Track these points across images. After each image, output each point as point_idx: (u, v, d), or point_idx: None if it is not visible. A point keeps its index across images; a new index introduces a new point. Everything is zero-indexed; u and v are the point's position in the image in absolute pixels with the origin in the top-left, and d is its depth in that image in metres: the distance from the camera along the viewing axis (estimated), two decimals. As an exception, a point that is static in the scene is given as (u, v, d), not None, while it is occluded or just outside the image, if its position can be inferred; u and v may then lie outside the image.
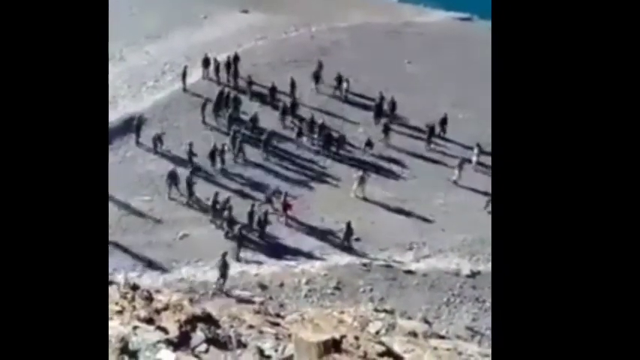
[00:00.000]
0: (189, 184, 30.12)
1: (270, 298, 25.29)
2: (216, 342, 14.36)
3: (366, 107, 38.06)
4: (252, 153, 33.59)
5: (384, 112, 37.26)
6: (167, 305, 15.56)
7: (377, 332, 18.75)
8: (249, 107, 36.53)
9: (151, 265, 26.53)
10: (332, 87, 38.92)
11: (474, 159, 34.14)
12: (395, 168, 34.50)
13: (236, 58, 38.96)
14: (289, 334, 15.91)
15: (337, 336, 14.00)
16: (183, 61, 39.42)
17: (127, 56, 41.04)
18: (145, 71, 39.84)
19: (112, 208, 27.58)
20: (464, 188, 33.00)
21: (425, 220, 30.89)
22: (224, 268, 25.18)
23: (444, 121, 36.58)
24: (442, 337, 20.89)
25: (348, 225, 28.36)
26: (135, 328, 13.93)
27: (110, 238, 24.25)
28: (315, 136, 35.15)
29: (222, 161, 32.44)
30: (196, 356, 13.63)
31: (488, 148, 31.87)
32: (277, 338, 15.73)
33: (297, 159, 34.21)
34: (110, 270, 22.43)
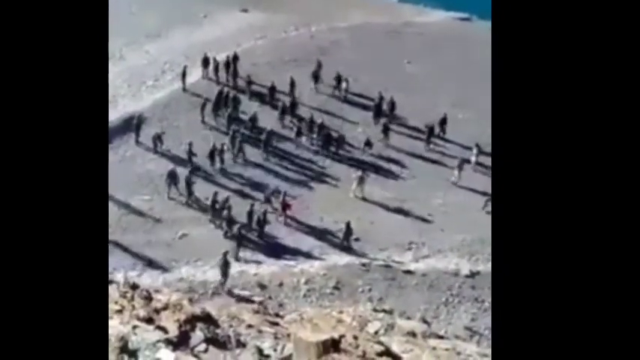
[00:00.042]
0: (189, 184, 30.11)
1: (270, 297, 25.28)
2: (216, 341, 14.38)
3: (365, 107, 38.03)
4: (252, 153, 33.57)
5: (384, 112, 37.24)
6: (166, 305, 15.58)
7: (376, 332, 18.77)
8: (249, 107, 36.52)
9: (150, 264, 26.53)
10: (331, 87, 38.89)
11: (473, 159, 34.14)
12: (394, 168, 34.49)
13: (235, 58, 38.94)
14: (288, 333, 15.93)
15: (336, 336, 14.03)
16: (182, 61, 39.42)
17: (126, 55, 41.04)
18: (145, 70, 39.84)
19: (112, 208, 27.58)
20: (463, 188, 32.99)
21: (424, 220, 30.89)
22: (225, 267, 25.19)
23: (443, 122, 36.55)
24: (441, 337, 20.90)
25: (348, 225, 28.35)
26: (134, 327, 13.95)
27: (110, 238, 24.24)
28: (315, 135, 35.11)
29: (222, 161, 32.43)
30: (195, 356, 13.64)
31: (488, 149, 31.88)
32: (276, 338, 15.74)
33: (297, 159, 34.20)
34: (110, 269, 22.40)
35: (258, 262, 27.30)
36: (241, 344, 14.76)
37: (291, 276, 26.59)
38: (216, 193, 29.32)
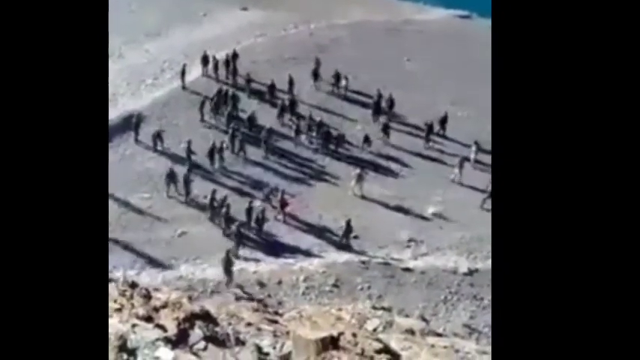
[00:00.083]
0: (187, 182, 30.11)
1: (269, 295, 25.29)
2: (215, 339, 14.38)
3: (364, 105, 38.04)
4: (251, 151, 33.56)
5: (383, 110, 37.24)
6: (166, 303, 15.59)
7: (374, 330, 18.77)
8: (248, 105, 36.52)
9: (150, 262, 26.54)
10: (331, 84, 38.89)
11: (472, 157, 34.14)
12: (393, 166, 34.48)
13: (235, 56, 38.93)
14: (287, 331, 15.94)
15: (335, 333, 14.04)
16: (182, 59, 39.42)
17: (126, 54, 41.04)
18: (145, 69, 39.84)
19: (112, 206, 27.61)
20: (462, 186, 32.98)
21: (423, 217, 30.91)
22: (229, 266, 25.20)
23: (444, 120, 36.55)
24: (439, 335, 20.89)
25: (348, 223, 28.35)
26: (133, 325, 13.95)
27: (109, 236, 24.24)
28: (314, 133, 35.10)
29: (221, 159, 32.42)
30: (195, 354, 13.64)
31: (487, 146, 31.89)
32: (275, 335, 15.75)
33: (296, 157, 34.19)
34: (109, 267, 22.41)
35: (258, 260, 27.32)
36: (240, 342, 14.77)
37: (290, 274, 26.60)
38: (214, 191, 29.33)
